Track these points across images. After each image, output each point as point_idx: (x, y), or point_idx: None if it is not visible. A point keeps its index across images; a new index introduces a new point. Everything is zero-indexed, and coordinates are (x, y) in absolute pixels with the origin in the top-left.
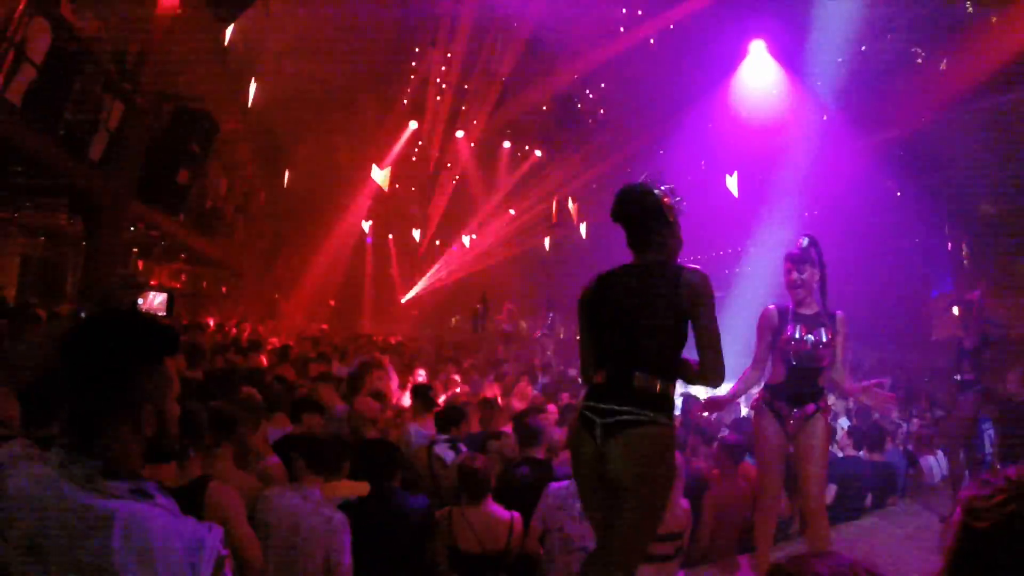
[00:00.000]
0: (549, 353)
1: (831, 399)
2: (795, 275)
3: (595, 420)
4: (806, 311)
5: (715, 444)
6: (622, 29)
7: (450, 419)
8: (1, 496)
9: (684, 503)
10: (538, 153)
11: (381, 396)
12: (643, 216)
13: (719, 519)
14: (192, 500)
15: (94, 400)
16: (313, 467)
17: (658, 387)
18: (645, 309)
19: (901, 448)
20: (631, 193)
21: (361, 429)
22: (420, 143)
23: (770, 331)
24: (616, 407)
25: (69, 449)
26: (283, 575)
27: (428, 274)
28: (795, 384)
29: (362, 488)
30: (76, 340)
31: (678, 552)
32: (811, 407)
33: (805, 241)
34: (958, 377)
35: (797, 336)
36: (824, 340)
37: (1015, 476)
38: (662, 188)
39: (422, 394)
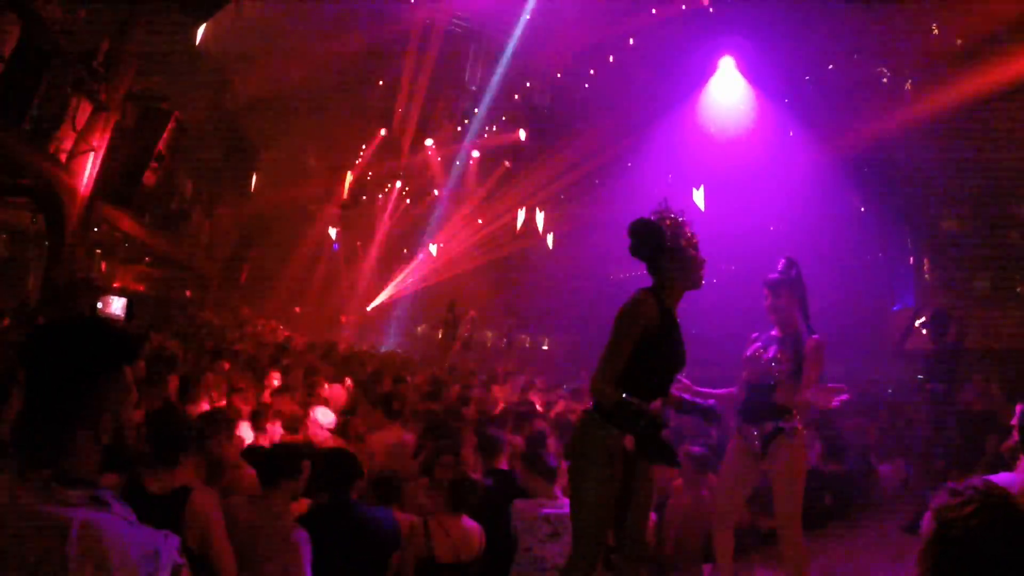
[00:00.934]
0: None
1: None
2: (771, 300)
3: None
4: (778, 333)
5: (680, 455)
6: (592, 41)
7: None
8: None
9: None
10: (507, 163)
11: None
12: (650, 254)
13: (682, 529)
14: (175, 508)
15: (52, 408)
16: (266, 481)
17: None
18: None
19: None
20: (634, 232)
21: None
22: (387, 151)
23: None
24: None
25: (26, 456)
26: None
27: (394, 282)
28: (750, 401)
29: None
30: (35, 346)
31: None
32: (769, 425)
33: (781, 264)
34: (927, 387)
35: (752, 354)
36: (777, 357)
37: (982, 486)
38: (662, 215)
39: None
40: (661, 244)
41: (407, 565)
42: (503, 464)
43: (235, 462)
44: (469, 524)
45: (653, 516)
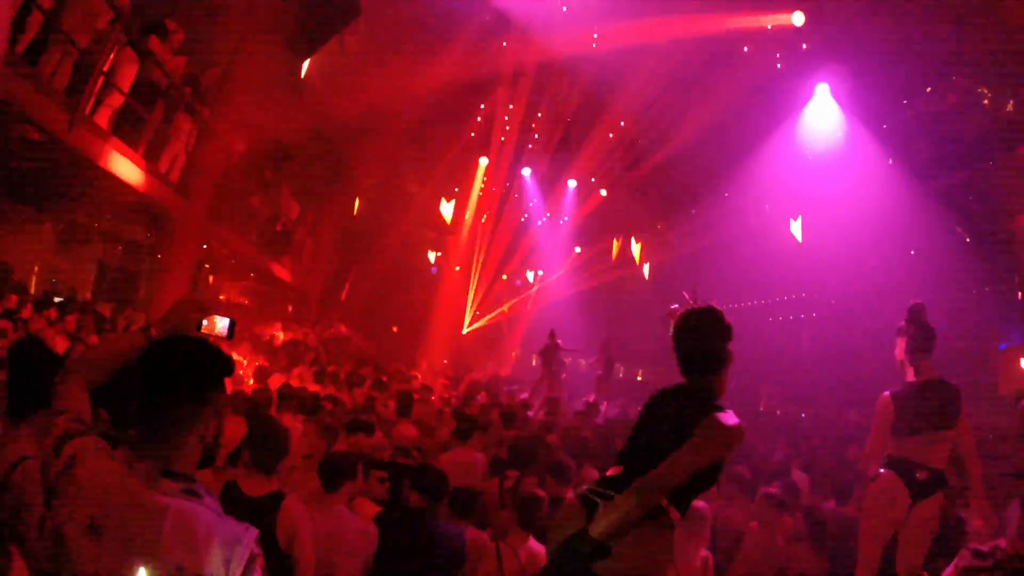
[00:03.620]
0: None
1: None
2: (896, 350)
3: None
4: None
5: (757, 496)
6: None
7: None
8: (71, 482)
9: (704, 553)
10: (603, 192)
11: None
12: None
13: (749, 573)
14: (268, 511)
15: (168, 413)
16: (328, 486)
17: None
18: None
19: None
20: (713, 324)
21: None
22: (485, 179)
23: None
24: None
25: (135, 449)
26: None
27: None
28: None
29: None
30: (162, 361)
31: None
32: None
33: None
34: None
35: None
36: None
37: (1009, 550)
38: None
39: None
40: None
41: None
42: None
43: None
44: (537, 548)
45: (706, 555)
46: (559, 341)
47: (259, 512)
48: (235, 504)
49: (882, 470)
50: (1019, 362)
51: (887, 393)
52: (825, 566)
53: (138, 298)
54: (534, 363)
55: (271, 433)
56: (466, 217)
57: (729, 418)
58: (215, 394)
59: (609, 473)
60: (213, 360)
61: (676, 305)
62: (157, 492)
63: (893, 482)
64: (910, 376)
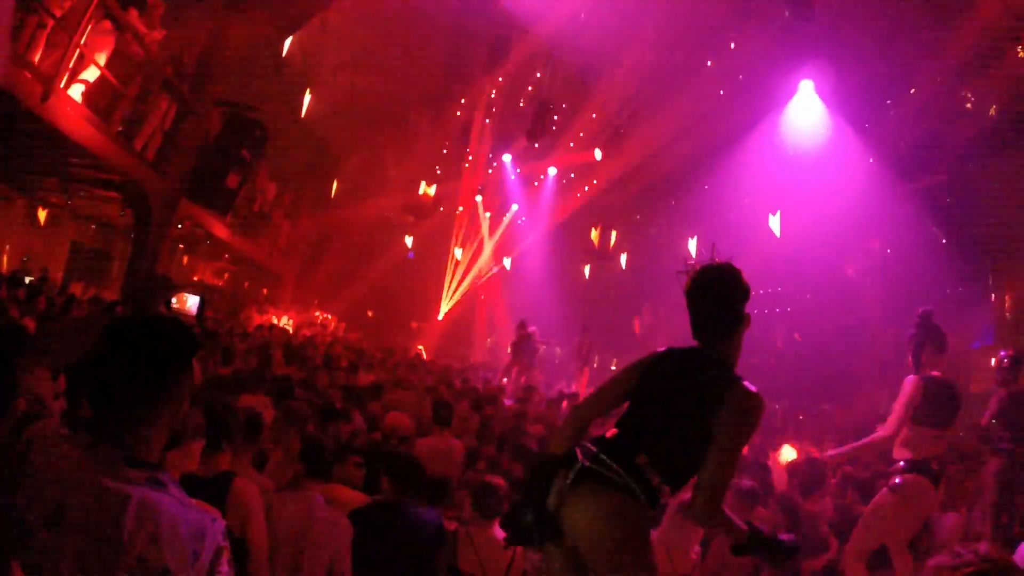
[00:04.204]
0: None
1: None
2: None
3: None
4: None
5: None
6: (671, 61)
7: None
8: (28, 469)
9: (697, 549)
10: (583, 181)
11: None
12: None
13: (723, 564)
14: (217, 492)
15: (131, 396)
16: (312, 472)
17: None
18: None
19: None
20: (736, 284)
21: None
22: (467, 164)
23: None
24: None
25: (96, 434)
26: None
27: (460, 292)
28: None
29: (359, 497)
30: (123, 339)
31: None
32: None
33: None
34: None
35: None
36: None
37: (983, 552)
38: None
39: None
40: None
41: (441, 570)
42: None
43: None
44: (499, 535)
45: (697, 549)
46: (531, 330)
47: (208, 492)
48: (183, 483)
49: (901, 479)
50: (991, 362)
51: (917, 377)
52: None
53: (111, 278)
54: (509, 351)
55: (221, 411)
56: (443, 203)
57: (753, 388)
58: (181, 376)
59: (609, 434)
60: (179, 339)
61: (692, 260)
62: (119, 480)
63: (923, 486)
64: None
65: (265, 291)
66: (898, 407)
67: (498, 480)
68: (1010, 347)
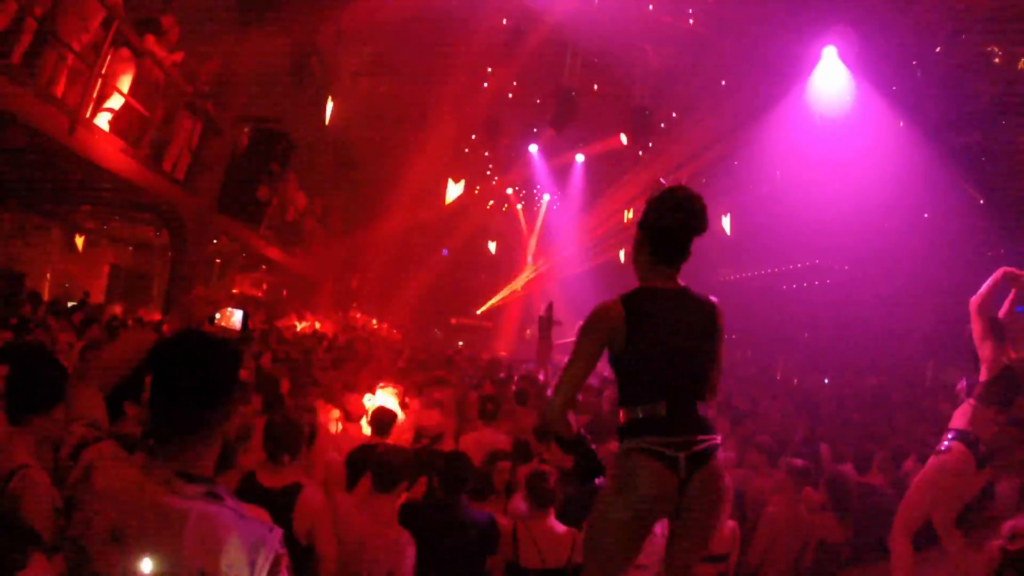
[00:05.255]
0: None
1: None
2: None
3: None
4: None
5: (781, 466)
6: (692, 38)
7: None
8: (88, 491)
9: (731, 524)
10: (611, 165)
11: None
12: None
13: (774, 542)
14: (286, 502)
15: (184, 414)
16: (380, 487)
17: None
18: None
19: None
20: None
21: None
22: (491, 162)
23: None
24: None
25: (152, 453)
26: None
27: (506, 288)
28: None
29: None
30: (173, 358)
31: (722, 575)
32: None
33: None
34: None
35: None
36: None
37: None
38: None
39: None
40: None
41: (497, 568)
42: None
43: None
44: (559, 529)
45: (735, 526)
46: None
47: (277, 503)
48: (253, 496)
49: (947, 444)
50: None
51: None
52: (848, 535)
53: (151, 297)
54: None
55: (286, 423)
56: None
57: None
58: (231, 392)
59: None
60: (224, 357)
61: (662, 180)
62: (176, 496)
63: (966, 458)
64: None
65: (303, 299)
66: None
67: (548, 468)
68: None
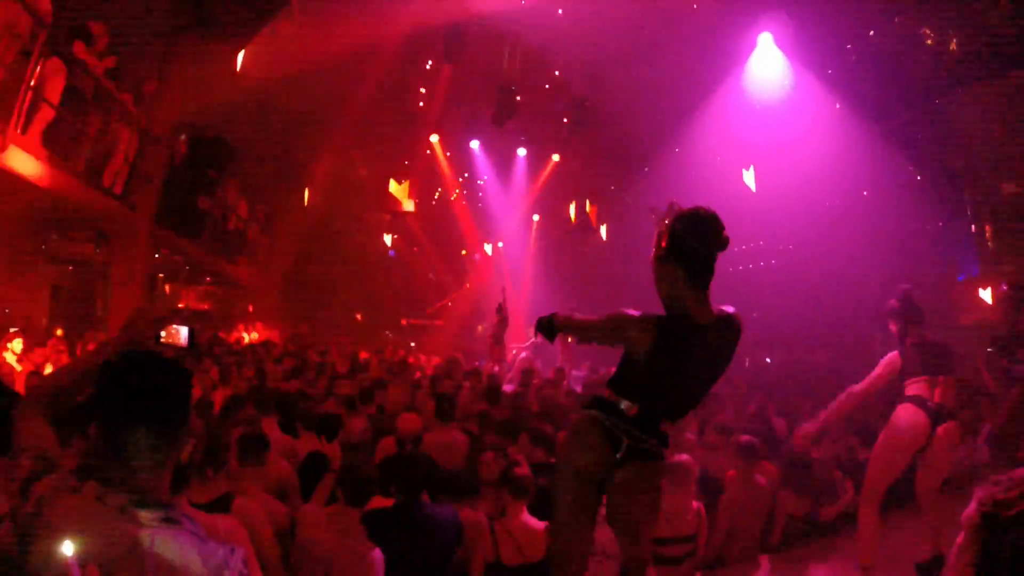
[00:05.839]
0: None
1: None
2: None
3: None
4: None
5: (732, 445)
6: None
7: None
8: (45, 526)
9: (695, 505)
10: (555, 158)
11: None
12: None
13: (736, 520)
14: (220, 513)
15: (132, 440)
16: (351, 501)
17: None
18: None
19: None
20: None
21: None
22: (438, 154)
23: None
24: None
25: (104, 481)
26: None
27: (455, 285)
28: None
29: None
30: (122, 381)
31: (688, 556)
32: None
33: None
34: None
35: None
36: None
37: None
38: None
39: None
40: None
41: (476, 567)
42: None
43: None
44: (533, 524)
45: (699, 508)
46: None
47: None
48: None
49: (898, 407)
50: (978, 292)
51: (895, 352)
52: (807, 507)
53: (96, 318)
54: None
55: (207, 436)
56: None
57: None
58: (183, 414)
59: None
60: (174, 377)
61: (673, 202)
62: (133, 524)
63: (913, 412)
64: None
65: (251, 308)
66: (872, 376)
67: (520, 458)
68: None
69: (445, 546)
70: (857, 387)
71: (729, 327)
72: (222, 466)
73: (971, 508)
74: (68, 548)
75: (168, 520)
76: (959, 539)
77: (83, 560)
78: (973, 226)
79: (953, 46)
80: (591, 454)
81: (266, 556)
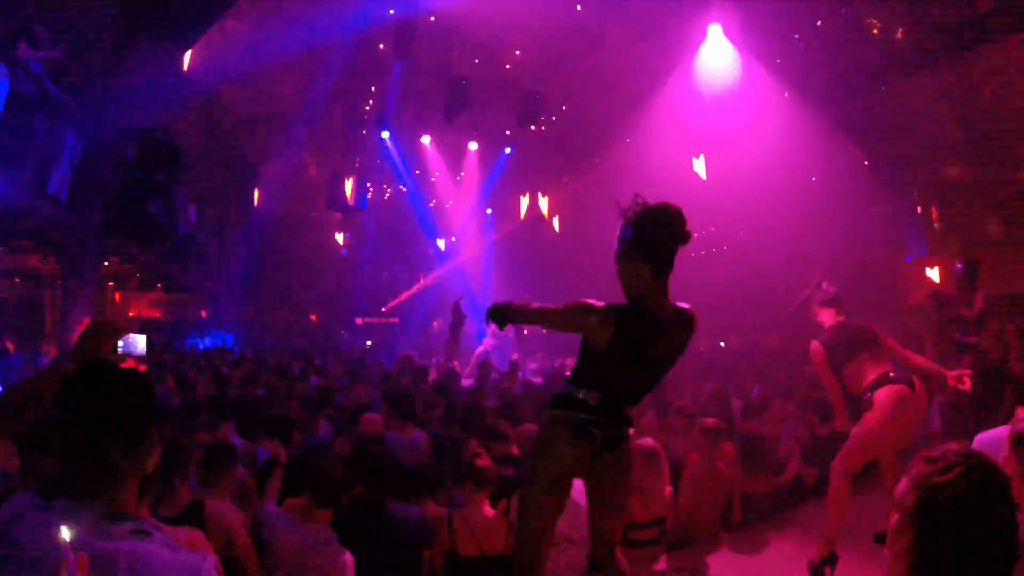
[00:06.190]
0: None
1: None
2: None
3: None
4: None
5: (695, 427)
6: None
7: None
8: (13, 546)
9: (668, 489)
10: (506, 150)
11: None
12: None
13: (697, 500)
14: (192, 524)
15: (101, 452)
16: (321, 503)
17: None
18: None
19: None
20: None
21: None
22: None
23: None
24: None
25: (71, 497)
26: None
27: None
28: None
29: None
30: (84, 394)
31: (661, 536)
32: None
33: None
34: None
35: None
36: None
37: (962, 451)
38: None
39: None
40: None
41: (436, 559)
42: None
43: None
44: (492, 514)
45: (669, 489)
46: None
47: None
48: None
49: (873, 396)
50: (925, 271)
51: (817, 343)
52: (764, 486)
53: (45, 331)
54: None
55: (170, 446)
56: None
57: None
58: (149, 423)
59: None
60: (135, 387)
61: (638, 195)
62: (104, 538)
63: (899, 392)
64: (828, 323)
65: (204, 313)
66: (829, 384)
67: (480, 449)
68: (946, 257)
69: (412, 543)
70: (843, 426)
71: (685, 322)
72: (187, 476)
73: (903, 486)
74: (65, 534)
75: (139, 532)
76: (892, 519)
77: None
78: (920, 208)
79: (899, 35)
80: (566, 459)
81: (244, 557)
